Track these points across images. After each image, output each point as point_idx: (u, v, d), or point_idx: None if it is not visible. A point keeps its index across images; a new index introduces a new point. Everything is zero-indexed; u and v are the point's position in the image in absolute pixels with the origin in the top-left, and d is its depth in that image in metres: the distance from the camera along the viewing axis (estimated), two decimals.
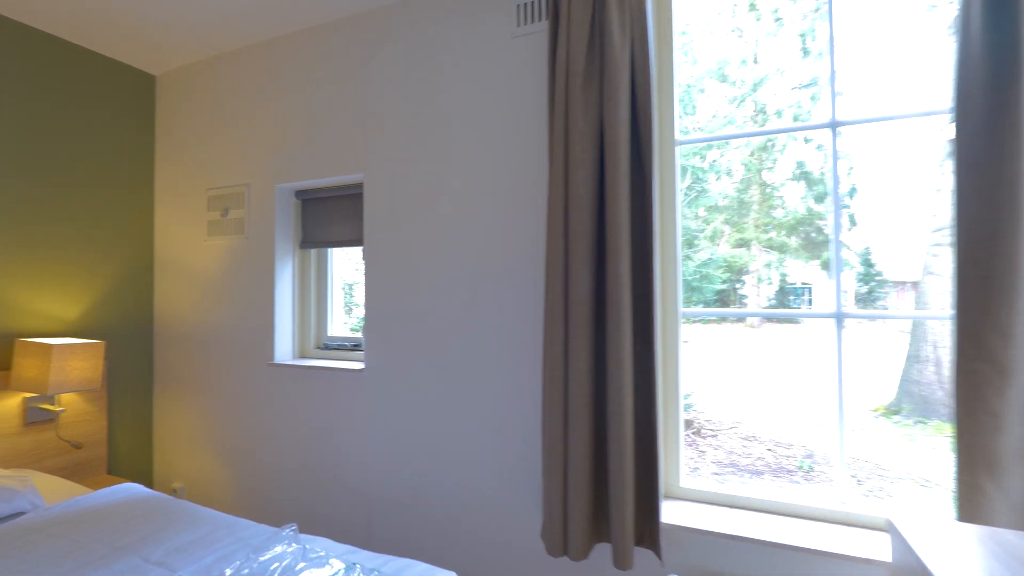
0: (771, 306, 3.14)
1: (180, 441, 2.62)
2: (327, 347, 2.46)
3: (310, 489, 2.26)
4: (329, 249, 2.50)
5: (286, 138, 2.36)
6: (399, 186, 2.08)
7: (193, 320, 2.63)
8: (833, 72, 1.60)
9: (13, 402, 2.17)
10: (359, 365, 2.19)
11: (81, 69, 2.43)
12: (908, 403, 2.56)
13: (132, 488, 1.77)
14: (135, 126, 2.65)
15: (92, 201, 2.47)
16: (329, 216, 2.40)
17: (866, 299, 2.73)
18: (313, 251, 2.50)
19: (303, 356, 2.49)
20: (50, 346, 2.06)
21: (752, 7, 2.89)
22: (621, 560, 1.52)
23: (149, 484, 2.69)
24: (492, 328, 1.89)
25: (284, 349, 2.42)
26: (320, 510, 2.23)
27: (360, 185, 2.27)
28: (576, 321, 1.58)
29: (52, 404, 2.25)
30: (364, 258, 2.15)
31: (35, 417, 2.22)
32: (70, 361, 2.12)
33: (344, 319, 2.59)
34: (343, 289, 2.62)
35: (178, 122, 2.66)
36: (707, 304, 3.14)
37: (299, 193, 2.46)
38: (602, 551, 1.69)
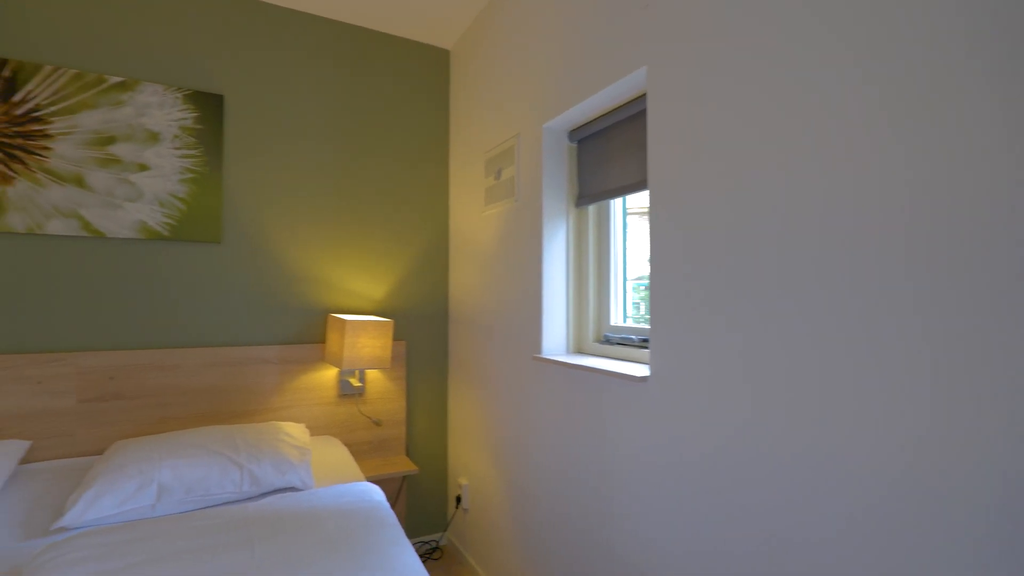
0: None
1: (467, 433, 2.40)
2: (608, 340, 1.76)
3: (576, 533, 1.60)
4: (612, 208, 1.80)
5: (551, 63, 1.78)
6: (706, 78, 1.19)
7: (472, 302, 2.37)
8: None
9: (331, 374, 2.30)
10: (642, 370, 1.40)
11: (383, 58, 2.48)
12: None
13: (362, 493, 1.48)
14: (433, 105, 2.60)
15: (397, 183, 2.49)
16: (609, 154, 1.70)
17: None
18: (592, 210, 1.85)
19: (580, 351, 1.87)
20: (344, 321, 2.06)
21: None
22: None
23: (443, 474, 2.58)
24: (911, 323, 0.80)
25: (555, 340, 1.84)
26: (586, 570, 1.54)
27: (645, 99, 1.48)
28: None
29: (355, 379, 2.31)
30: (650, 207, 1.35)
31: (345, 390, 2.31)
32: (361, 338, 2.09)
33: (635, 303, 1.84)
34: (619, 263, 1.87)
35: (464, 91, 2.47)
36: None
37: (573, 134, 1.85)
38: None
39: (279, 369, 2.18)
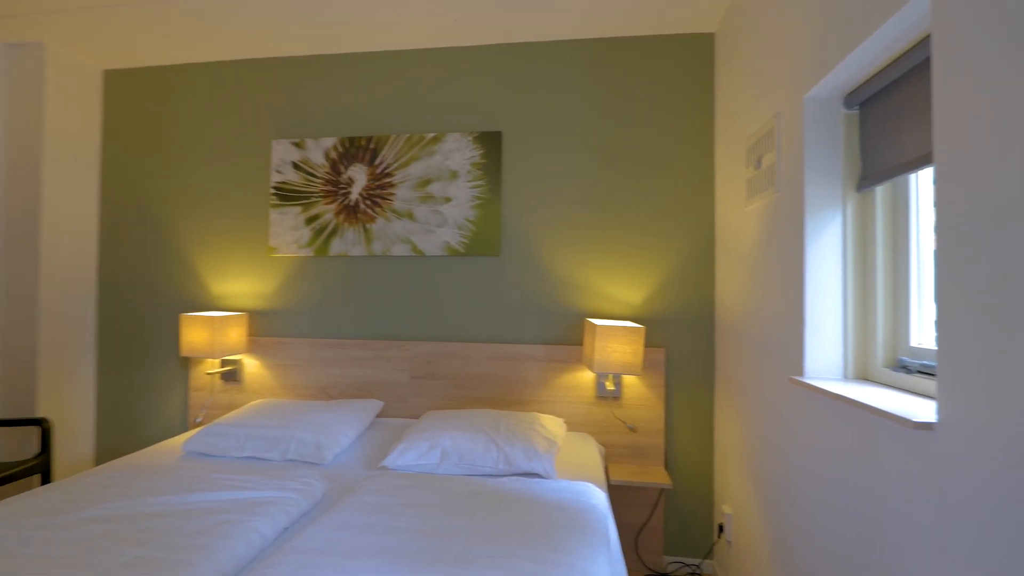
0: None
1: (731, 455, 2.15)
2: (904, 367, 1.30)
3: None
4: (912, 189, 1.33)
5: (812, 15, 1.43)
6: None
7: (734, 310, 2.10)
8: None
9: (590, 375, 2.42)
10: (926, 412, 0.99)
11: (641, 61, 2.45)
12: None
13: (580, 493, 1.51)
14: (696, 97, 2.42)
15: (658, 185, 2.43)
16: (904, 114, 1.27)
17: None
18: (882, 193, 1.40)
19: (862, 377, 1.44)
20: (595, 326, 2.15)
21: None
22: None
23: (707, 496, 2.36)
24: None
25: (824, 362, 1.47)
26: None
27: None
28: None
29: (610, 383, 2.36)
30: (935, 184, 0.94)
31: (601, 392, 2.39)
32: (611, 342, 2.14)
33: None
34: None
35: (729, 75, 2.21)
36: None
37: (851, 98, 1.44)
38: None
39: (544, 366, 2.44)
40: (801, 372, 1.49)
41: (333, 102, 2.65)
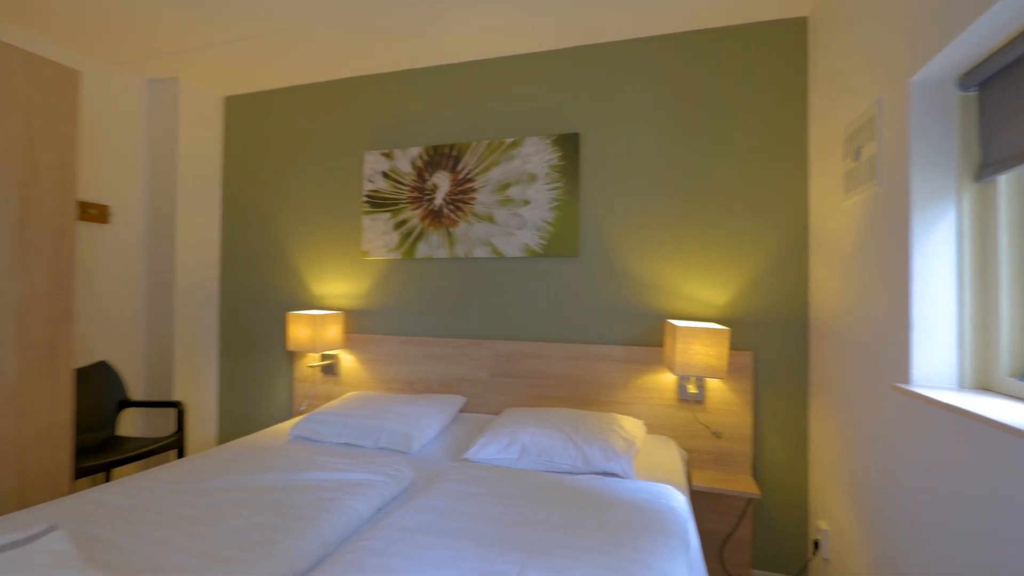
0: None
1: (828, 467, 2.01)
2: None
3: None
4: None
5: None
6: None
7: (830, 311, 1.96)
8: None
9: (671, 378, 2.37)
10: None
11: (724, 53, 2.35)
12: None
13: (658, 495, 1.49)
14: (787, 87, 2.29)
15: (745, 178, 2.33)
16: None
17: None
18: (1008, 183, 1.26)
19: (983, 387, 1.30)
20: (676, 327, 2.11)
21: None
22: None
23: (800, 509, 2.22)
24: None
25: (936, 368, 1.35)
26: None
27: None
28: None
29: (692, 386, 2.29)
30: None
31: (683, 396, 2.33)
32: (693, 344, 2.08)
33: None
34: None
35: (824, 61, 2.07)
36: None
37: (967, 78, 1.31)
38: None
39: (623, 367, 2.42)
40: (907, 379, 1.37)
41: (419, 113, 2.81)
